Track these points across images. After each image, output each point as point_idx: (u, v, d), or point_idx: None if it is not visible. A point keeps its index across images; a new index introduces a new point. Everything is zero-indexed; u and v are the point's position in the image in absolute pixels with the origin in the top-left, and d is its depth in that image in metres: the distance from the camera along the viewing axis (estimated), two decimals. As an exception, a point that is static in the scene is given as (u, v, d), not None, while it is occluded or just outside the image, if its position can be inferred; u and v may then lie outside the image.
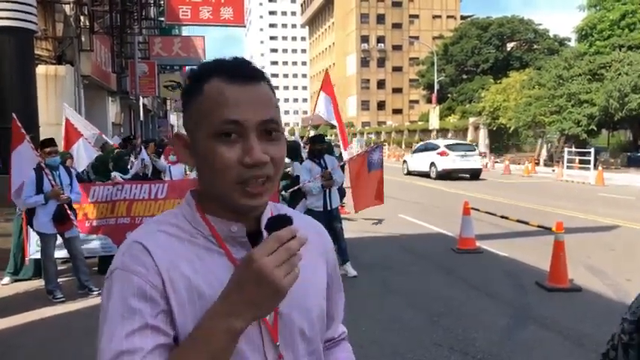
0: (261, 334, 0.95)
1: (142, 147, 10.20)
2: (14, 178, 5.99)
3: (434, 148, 22.05)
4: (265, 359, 0.95)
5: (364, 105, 79.13)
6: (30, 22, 10.71)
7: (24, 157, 5.89)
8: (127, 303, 0.87)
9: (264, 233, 0.93)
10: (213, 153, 0.92)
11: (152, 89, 21.33)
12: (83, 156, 8.71)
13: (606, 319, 5.06)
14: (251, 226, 0.99)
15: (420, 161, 22.67)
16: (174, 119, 55.38)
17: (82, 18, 13.80)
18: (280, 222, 0.85)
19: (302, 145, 9.83)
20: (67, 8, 12.94)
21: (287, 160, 8.36)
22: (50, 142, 6.11)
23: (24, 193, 5.79)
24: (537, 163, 27.17)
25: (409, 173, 23.56)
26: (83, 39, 13.51)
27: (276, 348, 0.96)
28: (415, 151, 24.28)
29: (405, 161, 25.27)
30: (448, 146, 21.66)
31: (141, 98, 21.38)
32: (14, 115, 6.22)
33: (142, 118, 22.64)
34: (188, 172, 10.04)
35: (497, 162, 29.20)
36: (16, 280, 6.63)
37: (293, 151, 8.22)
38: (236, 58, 0.97)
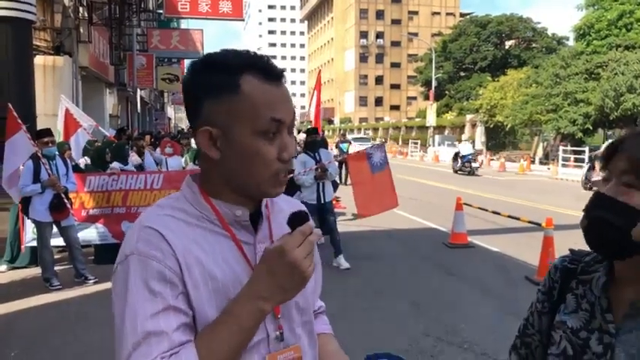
0: None
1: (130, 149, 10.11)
2: (5, 167, 6.06)
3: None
4: (266, 331, 1.03)
5: (362, 101, 79.12)
6: (28, 12, 10.71)
7: (18, 147, 5.94)
8: (149, 286, 0.92)
9: (264, 220, 1.09)
10: (257, 149, 0.99)
11: (150, 81, 21.36)
12: (81, 147, 8.78)
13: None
14: (251, 210, 1.07)
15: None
16: (172, 112, 55.32)
17: (80, 9, 13.82)
18: (300, 218, 0.96)
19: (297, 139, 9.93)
20: (66, -1, 12.96)
21: None
22: (47, 132, 6.17)
23: (21, 181, 5.85)
24: (533, 161, 27.31)
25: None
26: (81, 30, 13.52)
27: (277, 320, 1.06)
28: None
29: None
30: (354, 139, 30.22)
31: (138, 90, 21.40)
32: (10, 105, 6.27)
33: (139, 110, 22.66)
34: (188, 163, 10.07)
35: (492, 159, 29.33)
36: (12, 268, 6.71)
37: None
38: (256, 55, 1.03)
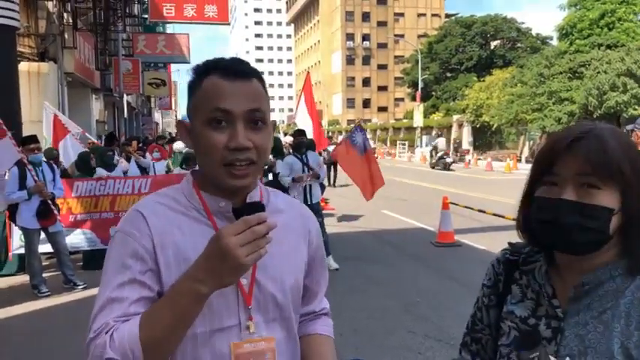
0: (238, 298, 1.10)
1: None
2: None
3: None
4: (238, 319, 1.10)
5: (349, 103, 79.30)
6: (12, 18, 10.64)
7: (3, 153, 5.91)
8: (122, 260, 1.05)
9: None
10: (204, 137, 1.07)
11: (136, 86, 21.25)
12: (70, 152, 8.75)
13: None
14: (236, 204, 1.11)
15: None
16: (159, 117, 55.02)
17: (65, 15, 13.75)
18: (253, 208, 0.98)
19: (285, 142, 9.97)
20: (50, 5, 12.88)
21: (270, 157, 8.51)
22: (33, 138, 6.16)
23: (7, 188, 5.83)
24: (519, 160, 27.57)
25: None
26: (66, 36, 13.46)
27: (248, 310, 1.10)
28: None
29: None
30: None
31: (125, 96, 21.30)
32: None
33: (125, 115, 22.54)
34: (172, 169, 10.10)
35: (479, 159, 29.56)
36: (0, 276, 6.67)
37: (276, 149, 8.34)
38: (233, 58, 1.14)
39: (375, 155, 7.91)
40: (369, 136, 48.53)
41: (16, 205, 5.89)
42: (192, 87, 1.12)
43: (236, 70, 1.10)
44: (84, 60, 15.34)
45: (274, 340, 1.13)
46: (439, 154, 25.49)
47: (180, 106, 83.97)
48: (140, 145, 12.93)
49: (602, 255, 1.00)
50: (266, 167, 8.86)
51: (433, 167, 25.61)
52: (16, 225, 6.15)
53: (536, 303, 1.07)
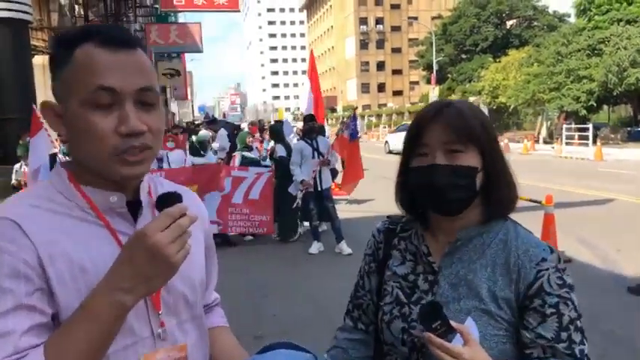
0: (146, 303, 0.95)
1: None
2: (31, 163, 6.30)
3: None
4: (150, 327, 0.96)
5: (364, 88, 78.79)
6: (25, 12, 10.77)
7: (39, 146, 6.19)
8: None
9: (146, 208, 0.99)
10: (87, 122, 0.88)
11: (149, 77, 21.39)
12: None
13: (595, 288, 5.19)
14: (129, 197, 0.98)
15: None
16: (175, 107, 55.40)
17: (76, 7, 13.85)
18: (170, 199, 0.86)
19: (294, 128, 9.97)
20: (62, -2, 13.00)
21: (271, 143, 8.51)
22: None
23: (40, 178, 6.04)
24: (537, 141, 27.17)
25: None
26: (78, 28, 13.57)
27: (158, 316, 0.97)
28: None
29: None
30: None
31: (139, 86, 21.43)
32: (33, 105, 6.55)
33: (141, 106, 22.71)
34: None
35: (497, 141, 29.17)
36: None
37: (275, 133, 8.33)
38: (108, 24, 0.95)
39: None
40: (383, 120, 48.14)
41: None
42: (59, 59, 0.91)
43: (117, 37, 0.90)
44: (97, 52, 15.46)
45: (186, 347, 1.01)
46: None
47: (197, 96, 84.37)
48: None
49: (469, 214, 1.14)
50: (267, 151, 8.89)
51: None
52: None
53: (414, 263, 1.21)
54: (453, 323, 1.00)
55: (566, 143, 23.14)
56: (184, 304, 1.02)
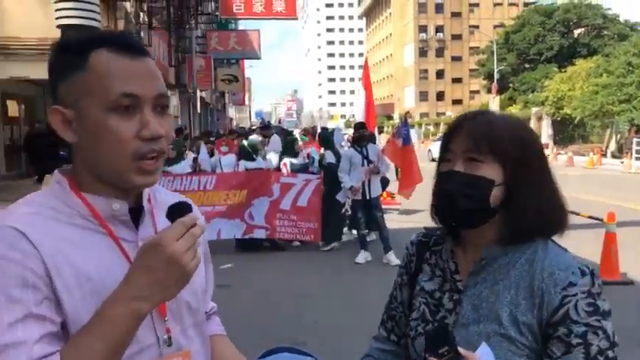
0: (152, 311, 0.94)
1: (203, 144, 10.35)
2: None
3: None
4: (155, 334, 0.97)
5: (422, 96, 77.82)
6: (94, 19, 11.27)
7: None
8: (7, 293, 0.82)
9: (146, 215, 1.01)
10: (108, 127, 0.90)
11: (208, 82, 21.92)
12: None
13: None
14: (131, 204, 0.98)
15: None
16: (233, 112, 56.74)
17: (140, 14, 14.39)
18: (181, 209, 0.89)
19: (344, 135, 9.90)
20: (128, 5, 13.52)
21: (321, 150, 8.45)
22: None
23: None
24: (604, 155, 25.86)
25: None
26: (142, 34, 14.07)
27: (164, 323, 0.98)
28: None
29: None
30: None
31: (198, 92, 22.04)
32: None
33: (199, 110, 23.33)
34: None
35: (560, 153, 27.99)
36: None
37: (325, 140, 8.27)
38: (117, 31, 0.99)
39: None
40: (441, 129, 47.71)
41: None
42: (69, 64, 0.92)
43: (132, 45, 0.94)
44: (158, 57, 15.99)
45: (190, 353, 1.02)
46: None
47: (254, 102, 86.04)
48: (212, 139, 13.20)
49: (496, 230, 1.09)
50: (314, 158, 8.83)
51: None
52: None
53: (443, 279, 1.18)
54: (461, 350, 0.94)
55: (637, 158, 21.84)
56: (187, 311, 1.04)
